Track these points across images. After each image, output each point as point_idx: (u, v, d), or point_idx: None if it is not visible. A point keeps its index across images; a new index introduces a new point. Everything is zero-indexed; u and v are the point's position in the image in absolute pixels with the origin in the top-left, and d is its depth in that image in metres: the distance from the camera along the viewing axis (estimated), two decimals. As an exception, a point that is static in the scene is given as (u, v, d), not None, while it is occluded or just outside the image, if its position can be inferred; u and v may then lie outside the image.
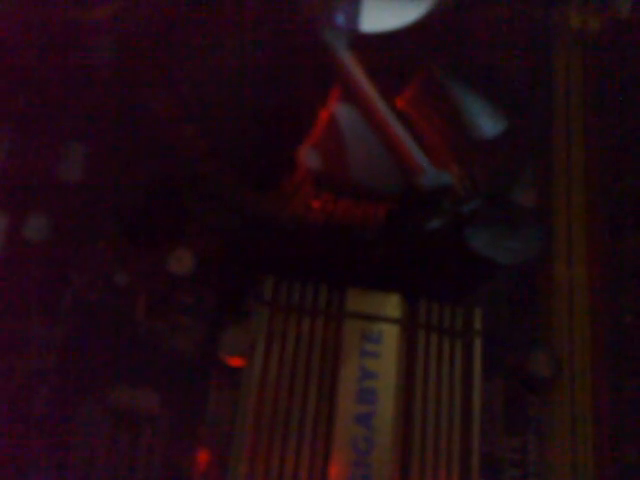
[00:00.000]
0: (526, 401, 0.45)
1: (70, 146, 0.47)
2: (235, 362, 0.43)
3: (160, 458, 0.43)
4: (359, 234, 0.43)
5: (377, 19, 0.43)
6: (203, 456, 0.43)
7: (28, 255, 0.45)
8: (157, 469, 0.43)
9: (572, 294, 0.47)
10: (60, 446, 0.42)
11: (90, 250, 0.46)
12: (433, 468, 0.40)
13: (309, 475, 0.40)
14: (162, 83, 0.44)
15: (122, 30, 0.47)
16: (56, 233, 0.46)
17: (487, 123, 0.45)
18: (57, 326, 0.45)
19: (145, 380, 0.44)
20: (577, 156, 0.50)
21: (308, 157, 0.43)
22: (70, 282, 0.46)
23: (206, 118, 0.44)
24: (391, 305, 0.44)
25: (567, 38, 0.53)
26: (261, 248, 0.45)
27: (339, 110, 0.44)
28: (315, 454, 0.40)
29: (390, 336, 0.43)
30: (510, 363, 0.45)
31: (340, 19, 0.43)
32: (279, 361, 0.42)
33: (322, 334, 0.43)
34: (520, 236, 0.45)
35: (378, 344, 0.43)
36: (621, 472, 0.43)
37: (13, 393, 0.43)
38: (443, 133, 0.45)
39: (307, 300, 0.43)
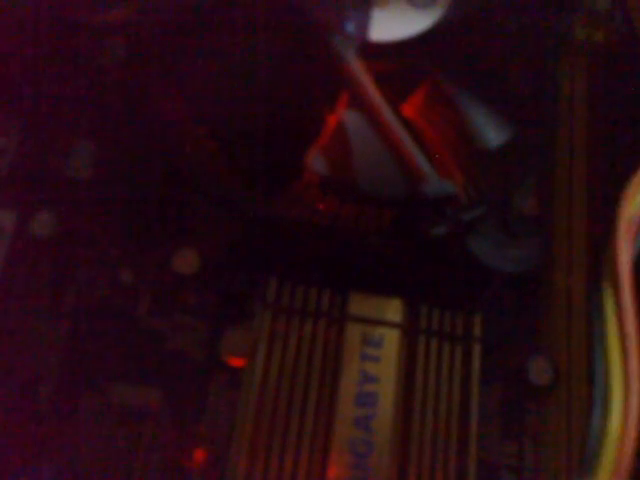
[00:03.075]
0: (523, 407, 0.45)
1: (79, 144, 0.47)
2: (236, 362, 0.43)
3: (160, 455, 0.43)
4: (363, 238, 0.44)
5: (387, 28, 0.44)
6: (202, 455, 0.43)
7: (35, 251, 0.45)
8: (157, 466, 0.43)
9: (571, 302, 0.47)
10: (63, 441, 0.42)
11: (96, 247, 0.47)
12: (430, 472, 0.41)
13: (307, 477, 0.40)
14: (173, 84, 0.45)
15: (134, 32, 0.47)
16: (63, 230, 0.46)
17: (491, 133, 0.46)
18: (61, 322, 0.45)
19: (147, 378, 0.44)
20: (579, 165, 0.51)
21: (315, 161, 0.43)
22: (75, 279, 0.46)
23: (215, 120, 0.45)
24: (392, 310, 0.44)
25: (572, 49, 0.53)
26: (266, 250, 0.45)
27: (346, 116, 0.44)
28: (314, 456, 0.41)
29: (391, 340, 0.43)
30: (508, 370, 0.45)
31: (350, 27, 0.43)
32: (280, 362, 0.43)
33: (324, 337, 0.43)
34: (521, 244, 0.45)
35: (379, 348, 0.43)
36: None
37: (17, 388, 0.43)
38: (448, 141, 0.45)
39: (310, 303, 0.44)
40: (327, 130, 0.44)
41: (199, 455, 0.43)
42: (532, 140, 0.47)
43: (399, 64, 0.45)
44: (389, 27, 0.44)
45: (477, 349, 0.44)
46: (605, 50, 0.53)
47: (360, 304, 0.44)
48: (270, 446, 0.41)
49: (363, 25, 0.43)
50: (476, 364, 0.43)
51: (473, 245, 0.45)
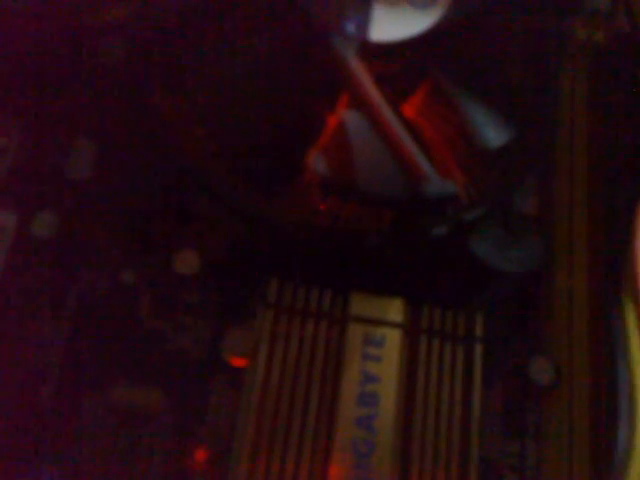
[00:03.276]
0: (525, 407, 0.45)
1: (80, 144, 0.47)
2: (238, 363, 0.43)
3: (161, 456, 0.43)
4: (364, 239, 0.44)
5: (386, 28, 0.44)
6: (204, 455, 0.43)
7: (36, 251, 0.45)
8: (158, 467, 0.43)
9: (572, 302, 0.47)
10: (63, 442, 0.42)
11: (97, 248, 0.47)
12: (432, 471, 0.41)
13: (309, 477, 0.40)
14: (173, 85, 0.45)
15: (134, 32, 0.47)
16: (64, 230, 0.46)
17: (493, 133, 0.46)
18: (62, 323, 0.45)
19: (148, 378, 0.44)
20: (580, 166, 0.51)
21: (316, 162, 0.44)
22: (77, 279, 0.46)
23: (216, 121, 0.45)
24: (394, 310, 0.44)
25: (573, 49, 0.53)
26: (267, 250, 0.45)
27: (347, 116, 0.44)
28: (316, 456, 0.41)
29: (392, 340, 0.43)
30: (510, 369, 0.45)
31: (350, 27, 0.43)
32: (282, 363, 0.43)
33: (325, 337, 0.43)
34: (522, 245, 0.45)
35: (380, 348, 0.43)
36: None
37: (19, 389, 0.43)
38: (448, 141, 0.45)
39: (311, 303, 0.44)
40: (328, 130, 0.44)
41: (201, 455, 0.43)
42: (533, 140, 0.47)
43: (399, 64, 0.45)
44: (389, 27, 0.44)
45: (478, 349, 0.44)
46: (606, 50, 0.54)
47: (361, 304, 0.44)
48: (272, 446, 0.41)
49: (363, 25, 0.43)
50: (478, 364, 0.43)
51: (474, 245, 0.45)
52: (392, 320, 0.44)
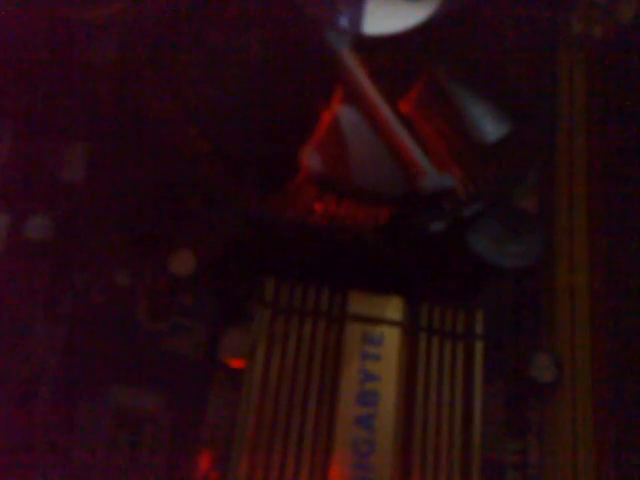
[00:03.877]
0: (527, 404, 0.45)
1: (73, 146, 0.47)
2: (236, 364, 0.43)
3: (161, 459, 0.43)
4: (361, 236, 0.43)
5: (381, 22, 0.43)
6: (204, 457, 0.43)
7: (30, 255, 0.45)
8: (158, 470, 0.43)
9: (573, 299, 0.47)
10: (61, 446, 0.42)
11: (92, 250, 0.46)
12: (434, 470, 0.41)
13: (310, 476, 0.40)
14: (165, 84, 0.45)
15: (126, 29, 0.47)
16: (58, 233, 0.46)
17: (490, 127, 0.45)
18: (59, 326, 0.45)
19: (146, 381, 0.44)
20: (579, 161, 0.50)
21: (311, 159, 0.43)
22: (72, 282, 0.46)
23: (209, 119, 0.44)
24: (392, 308, 0.44)
25: (571, 43, 0.53)
26: (263, 250, 0.45)
27: (342, 112, 0.44)
28: (316, 456, 0.40)
29: (391, 339, 0.43)
30: (511, 367, 0.45)
31: (344, 21, 0.43)
32: (280, 363, 0.42)
33: (323, 336, 0.43)
34: (522, 241, 0.45)
35: (379, 347, 0.43)
36: (621, 476, 0.43)
37: (15, 393, 0.43)
38: (446, 136, 0.45)
39: (309, 302, 0.43)
40: (322, 126, 0.44)
41: (201, 458, 0.43)
42: (531, 134, 0.47)
43: (395, 58, 0.45)
44: (383, 21, 0.43)
45: (479, 346, 0.43)
46: (603, 44, 0.53)
47: (360, 303, 0.44)
48: (272, 446, 0.40)
49: (357, 19, 0.43)
50: (478, 361, 0.43)
51: (472, 241, 0.44)
52: (391, 318, 0.43)
